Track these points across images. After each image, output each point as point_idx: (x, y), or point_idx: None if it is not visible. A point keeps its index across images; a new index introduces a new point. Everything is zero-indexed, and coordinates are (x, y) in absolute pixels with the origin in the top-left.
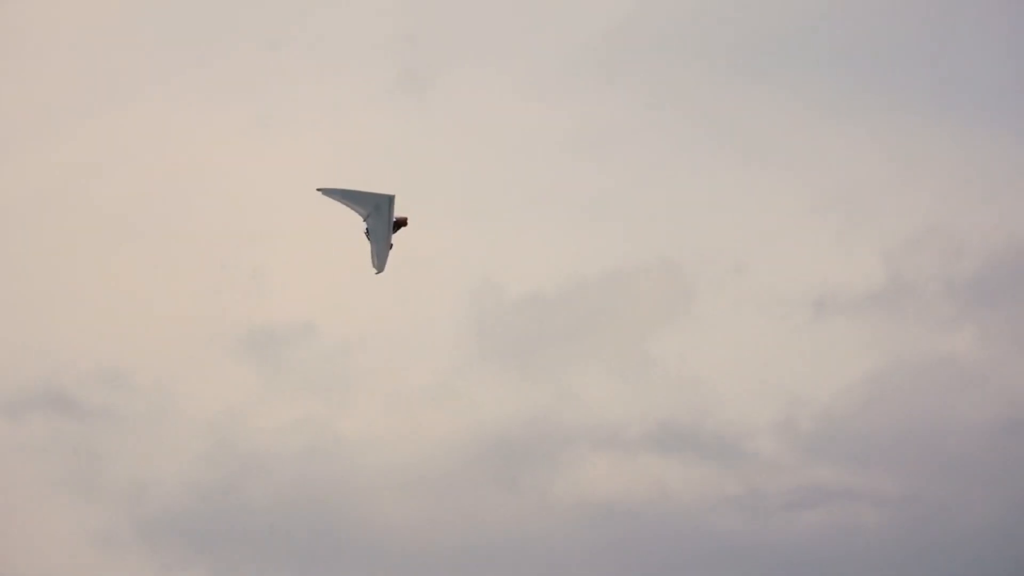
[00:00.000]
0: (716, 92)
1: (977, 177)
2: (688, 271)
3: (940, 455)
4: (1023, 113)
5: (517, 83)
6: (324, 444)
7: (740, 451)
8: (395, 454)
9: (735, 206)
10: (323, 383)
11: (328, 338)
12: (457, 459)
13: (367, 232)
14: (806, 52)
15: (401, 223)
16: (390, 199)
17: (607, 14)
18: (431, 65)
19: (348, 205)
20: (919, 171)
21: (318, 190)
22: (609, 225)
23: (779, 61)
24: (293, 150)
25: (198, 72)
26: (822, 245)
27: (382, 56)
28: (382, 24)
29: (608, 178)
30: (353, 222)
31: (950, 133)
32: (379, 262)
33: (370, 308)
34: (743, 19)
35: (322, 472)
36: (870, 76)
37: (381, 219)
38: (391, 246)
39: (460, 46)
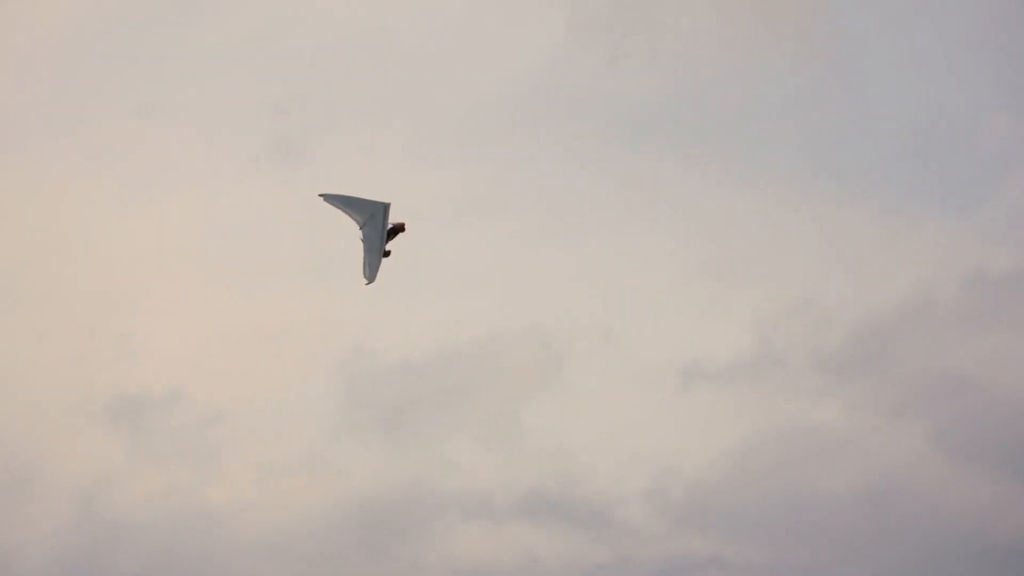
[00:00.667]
0: (589, 161)
1: (844, 249)
2: (559, 339)
3: (807, 524)
4: (889, 187)
5: (389, 150)
6: (192, 513)
7: (610, 520)
8: (264, 523)
9: (606, 274)
10: (191, 452)
11: (197, 406)
12: (327, 528)
13: (362, 240)
14: (679, 121)
15: (398, 229)
16: (385, 207)
17: (483, 82)
18: (304, 132)
19: (346, 212)
20: (788, 242)
21: (320, 195)
22: (480, 292)
23: (651, 131)
24: (164, 217)
25: (69, 137)
26: (691, 315)
27: (255, 123)
28: (255, 90)
29: (479, 245)
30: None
31: (818, 205)
32: (370, 272)
33: (239, 375)
34: (619, 88)
35: (190, 542)
36: (740, 147)
37: (375, 227)
38: (388, 253)
39: (333, 113)
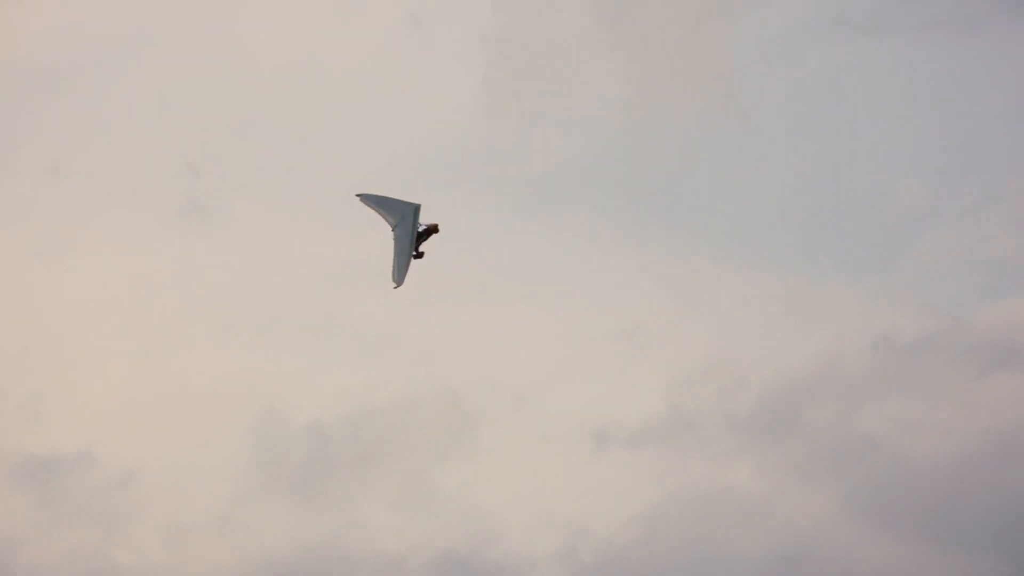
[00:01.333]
0: (503, 222)
1: (755, 313)
2: (472, 401)
3: None
4: (798, 251)
5: (302, 212)
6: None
7: None
8: None
9: (518, 337)
10: (100, 513)
11: (106, 467)
12: None
13: (393, 241)
14: (591, 184)
15: (432, 230)
16: (415, 208)
17: (396, 142)
18: (216, 192)
19: (380, 213)
20: (699, 306)
21: (357, 196)
22: (393, 354)
23: (564, 192)
24: (74, 277)
25: None
26: (604, 377)
27: (166, 185)
28: (167, 153)
29: (391, 306)
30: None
31: (729, 269)
32: (399, 275)
33: (150, 436)
34: (533, 149)
35: None
36: (652, 210)
37: (405, 228)
38: (421, 255)
39: (246, 173)
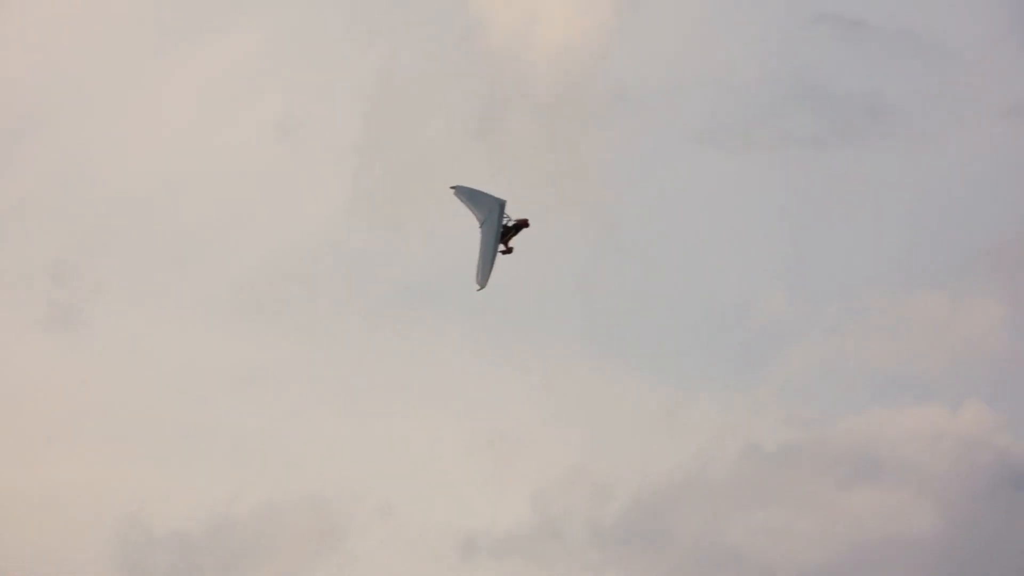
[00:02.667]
0: (368, 333)
1: (622, 422)
2: (338, 510)
3: None
4: (666, 360)
5: (167, 318)
6: None
7: None
8: None
9: (385, 446)
10: None
11: None
12: None
13: (480, 240)
14: (459, 293)
15: (521, 225)
16: (501, 204)
17: (259, 253)
18: (79, 299)
19: (470, 208)
20: (567, 415)
21: (451, 188)
22: (260, 461)
23: (432, 302)
24: None
25: None
26: (471, 486)
27: (29, 289)
28: (30, 257)
29: (259, 415)
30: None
31: (597, 378)
32: (482, 277)
33: (11, 543)
34: (395, 263)
35: None
36: (521, 319)
37: (490, 226)
38: (510, 250)
39: (110, 280)
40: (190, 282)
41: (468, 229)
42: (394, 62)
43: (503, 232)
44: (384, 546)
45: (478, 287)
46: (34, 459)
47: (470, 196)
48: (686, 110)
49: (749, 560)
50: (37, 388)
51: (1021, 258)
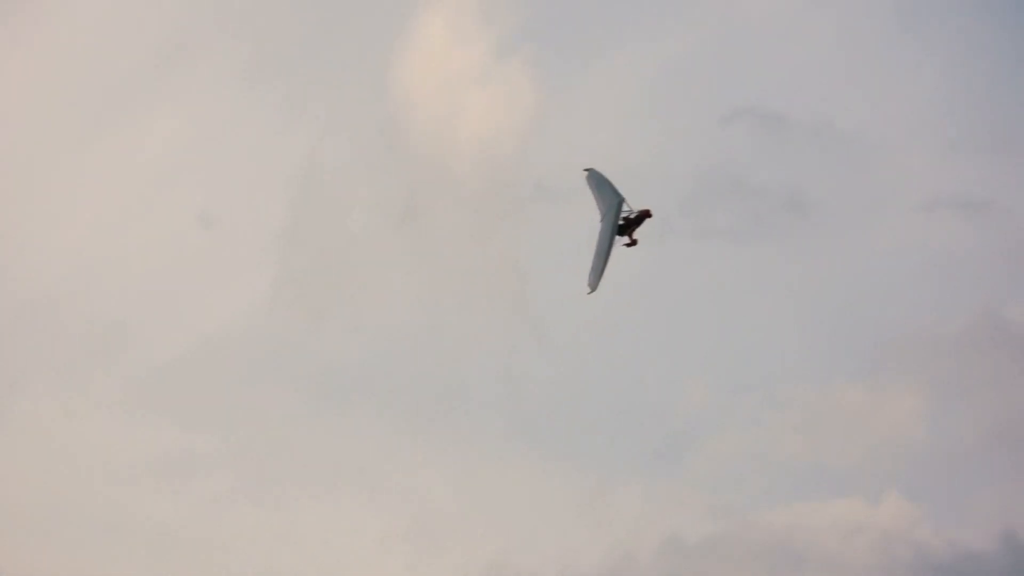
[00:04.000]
0: (291, 421)
1: (545, 512)
2: None
3: None
4: (588, 450)
5: (91, 408)
6: None
7: None
8: None
9: (305, 534)
10: None
11: None
12: None
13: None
14: (382, 382)
15: (644, 215)
16: (618, 203)
17: (186, 338)
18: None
19: (595, 196)
20: (489, 505)
21: (585, 171)
22: (181, 551)
23: (356, 392)
24: None
25: None
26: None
27: None
28: None
29: (180, 504)
30: None
31: (519, 468)
32: (593, 279)
33: None
34: (319, 351)
35: None
36: (445, 409)
37: (607, 224)
38: (635, 242)
39: (32, 371)
40: (111, 371)
41: (391, 317)
42: (319, 152)
43: (626, 224)
44: None
45: (589, 290)
46: None
47: (598, 185)
48: None
49: None
50: None
51: (938, 350)
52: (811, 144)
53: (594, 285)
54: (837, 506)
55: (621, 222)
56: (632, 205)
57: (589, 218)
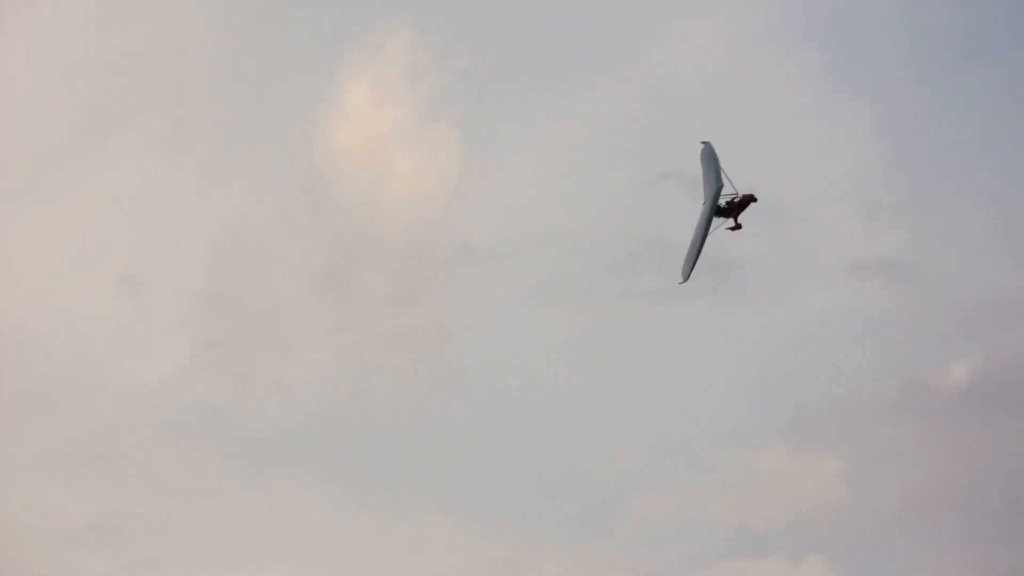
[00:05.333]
0: (215, 485)
1: (473, 574)
2: None
3: None
4: (512, 513)
5: (13, 474)
6: None
7: None
8: None
9: None
10: None
11: None
12: None
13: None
14: (308, 448)
15: (748, 199)
16: (716, 190)
17: (109, 405)
18: None
19: (704, 173)
20: (415, 568)
21: (702, 143)
22: None
23: (280, 456)
24: None
25: None
26: None
27: None
28: None
29: (104, 571)
30: None
31: (444, 532)
32: (687, 267)
33: None
34: (242, 414)
35: None
36: (370, 472)
37: (703, 215)
38: (739, 227)
39: None
40: (34, 434)
41: (316, 380)
42: (243, 214)
43: (728, 208)
44: None
45: (681, 280)
46: None
47: (708, 162)
48: (532, 264)
49: None
50: None
51: (862, 414)
52: None
53: (686, 275)
54: (760, 567)
55: (725, 205)
56: (737, 188)
57: (513, 279)
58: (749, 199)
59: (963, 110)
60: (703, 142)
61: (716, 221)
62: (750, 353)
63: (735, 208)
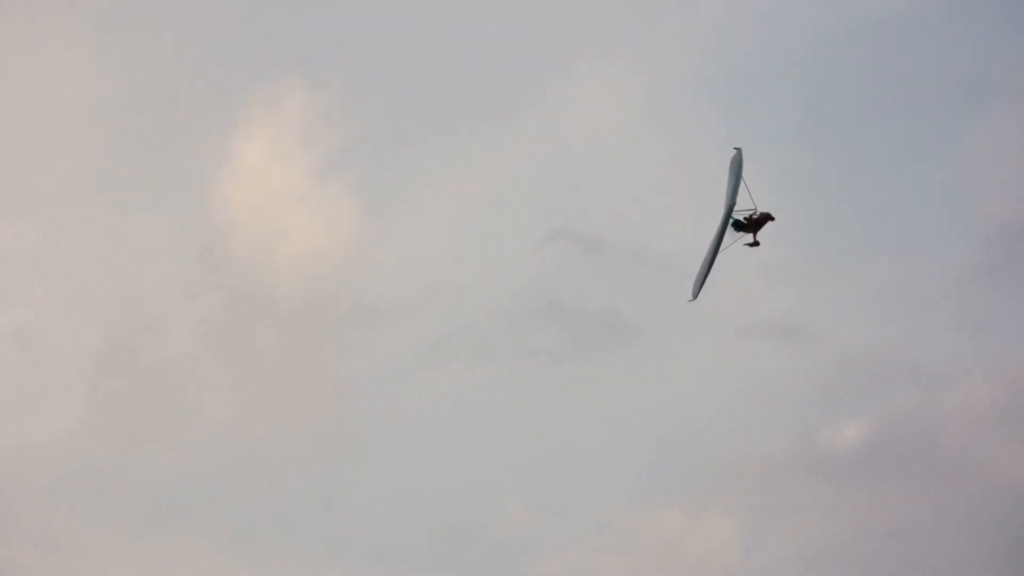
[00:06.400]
0: (107, 544)
1: None
2: None
3: None
4: (406, 573)
5: None
6: None
7: None
8: None
9: None
10: None
11: None
12: None
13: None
14: (201, 504)
15: (766, 218)
16: (728, 207)
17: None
18: None
19: (729, 185)
20: None
21: (735, 148)
22: None
23: (175, 512)
24: None
25: None
26: None
27: None
28: None
29: None
30: None
31: None
32: (696, 286)
33: None
34: (135, 474)
35: None
36: (264, 529)
37: (717, 233)
38: (757, 244)
39: None
40: None
41: (209, 439)
42: (138, 270)
43: (747, 224)
44: None
45: (691, 298)
46: None
47: (733, 173)
48: (427, 322)
49: None
50: None
51: (755, 474)
52: (628, 267)
53: (695, 293)
54: None
55: (744, 220)
56: (757, 204)
57: (407, 338)
58: (766, 217)
59: (853, 172)
60: (735, 148)
61: (734, 235)
62: (642, 413)
63: (752, 224)
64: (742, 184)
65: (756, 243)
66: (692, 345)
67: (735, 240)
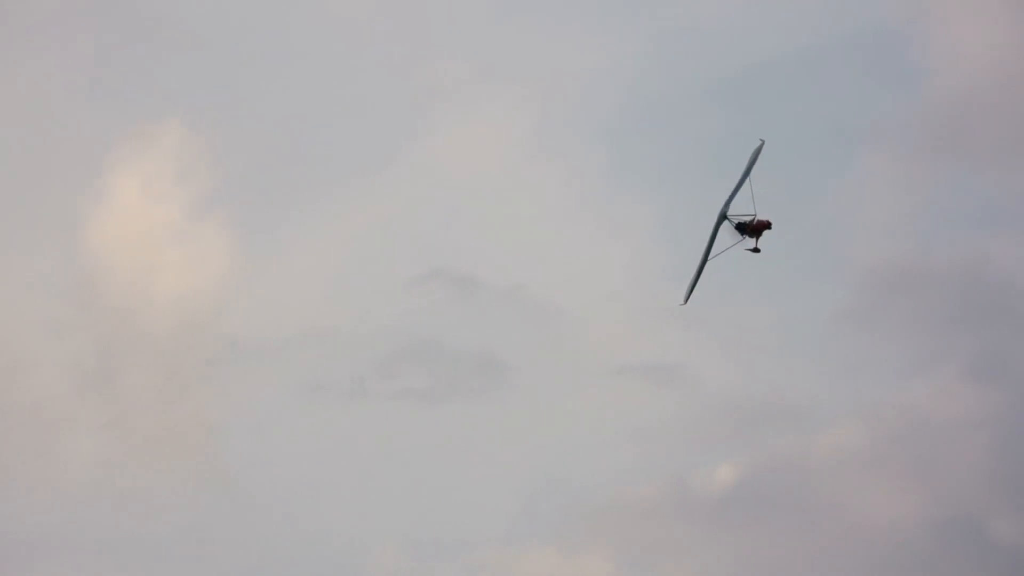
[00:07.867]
0: None
1: None
2: None
3: None
4: None
5: None
6: None
7: None
8: None
9: None
10: None
11: None
12: None
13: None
14: (69, 549)
15: (764, 226)
16: (718, 216)
17: None
18: None
19: (737, 184)
20: None
21: (760, 140)
22: None
23: (44, 556)
24: None
25: None
26: None
27: None
28: None
29: None
30: None
31: None
32: (687, 290)
33: None
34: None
35: None
36: (135, 571)
37: (712, 234)
38: (758, 250)
39: None
40: None
41: (78, 478)
42: (7, 308)
43: (747, 228)
44: None
45: (681, 303)
46: None
47: (749, 164)
48: (300, 362)
49: None
50: None
51: (629, 514)
52: (504, 307)
53: (686, 298)
54: None
55: (745, 224)
56: (759, 213)
57: (281, 376)
58: (764, 225)
59: None
60: (761, 139)
61: (736, 237)
62: (518, 453)
63: (750, 230)
64: (743, 183)
65: (757, 250)
66: (568, 386)
67: (736, 243)
